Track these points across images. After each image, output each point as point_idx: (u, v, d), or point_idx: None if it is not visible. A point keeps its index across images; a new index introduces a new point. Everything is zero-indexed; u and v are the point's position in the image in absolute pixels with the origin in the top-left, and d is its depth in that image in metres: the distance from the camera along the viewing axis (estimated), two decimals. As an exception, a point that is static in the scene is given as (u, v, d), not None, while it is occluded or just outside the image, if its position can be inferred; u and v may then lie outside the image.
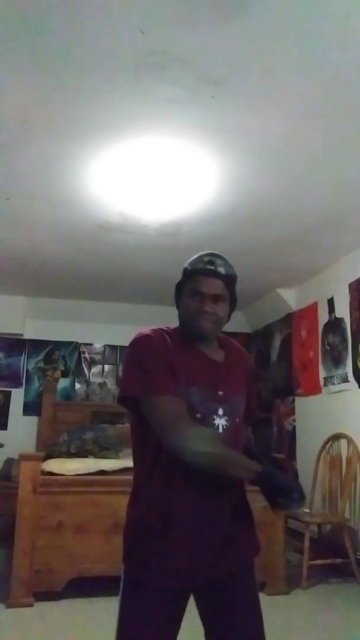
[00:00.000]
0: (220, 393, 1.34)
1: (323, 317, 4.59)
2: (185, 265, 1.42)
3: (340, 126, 2.51)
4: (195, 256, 1.42)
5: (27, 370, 5.74)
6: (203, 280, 1.35)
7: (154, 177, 3.01)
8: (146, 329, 1.37)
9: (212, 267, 1.36)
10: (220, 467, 1.25)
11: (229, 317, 1.44)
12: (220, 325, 1.40)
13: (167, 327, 1.40)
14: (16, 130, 2.57)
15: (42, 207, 3.42)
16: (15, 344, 5.72)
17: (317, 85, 2.22)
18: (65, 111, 2.41)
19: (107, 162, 2.85)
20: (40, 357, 5.80)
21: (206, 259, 1.38)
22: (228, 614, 1.29)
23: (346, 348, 4.15)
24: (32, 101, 2.35)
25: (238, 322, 6.16)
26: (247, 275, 4.82)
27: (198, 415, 1.30)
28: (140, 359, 1.31)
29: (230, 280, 1.39)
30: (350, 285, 4.14)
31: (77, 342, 5.92)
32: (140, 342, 1.34)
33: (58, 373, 5.80)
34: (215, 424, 1.31)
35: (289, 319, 5.27)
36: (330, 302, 4.44)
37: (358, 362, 3.99)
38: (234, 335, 6.74)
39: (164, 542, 1.26)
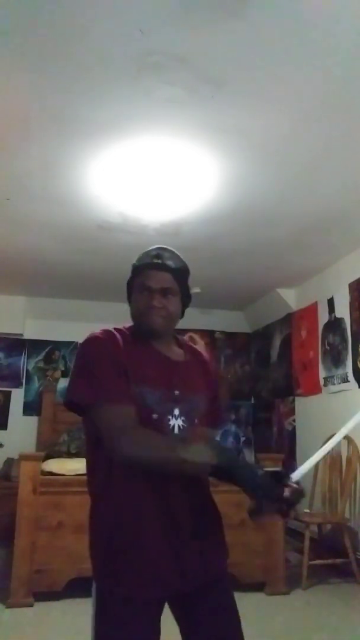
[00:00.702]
0: (176, 392, 1.28)
1: (323, 317, 4.58)
2: (134, 261, 1.38)
3: (340, 126, 2.51)
4: (144, 251, 1.38)
5: (27, 370, 5.74)
6: (151, 275, 1.31)
7: (154, 177, 3.01)
8: (97, 331, 1.31)
9: (159, 261, 1.32)
10: (170, 469, 1.20)
11: (182, 313, 1.39)
12: (171, 320, 1.34)
13: (122, 327, 1.35)
14: (16, 130, 2.57)
15: (42, 207, 3.42)
16: (15, 344, 5.71)
17: (318, 85, 2.22)
18: (65, 111, 2.41)
19: (107, 162, 2.85)
20: (40, 357, 5.80)
21: (153, 253, 1.35)
22: (205, 621, 1.24)
23: (346, 348, 4.15)
24: (32, 101, 2.35)
25: (238, 322, 6.17)
26: (247, 275, 4.86)
27: (154, 416, 1.24)
28: (88, 362, 1.26)
29: (179, 273, 1.34)
30: (350, 285, 4.14)
31: (77, 342, 5.90)
32: (88, 344, 1.29)
33: (58, 373, 5.79)
34: (170, 424, 1.26)
35: (289, 319, 5.27)
36: (330, 302, 4.44)
37: (358, 362, 3.99)
38: (234, 335, 6.74)
39: (132, 552, 1.20)
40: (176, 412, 1.27)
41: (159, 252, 1.34)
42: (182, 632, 1.28)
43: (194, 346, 1.48)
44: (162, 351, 1.34)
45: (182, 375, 1.33)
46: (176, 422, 1.27)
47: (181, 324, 1.45)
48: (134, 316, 1.36)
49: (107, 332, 1.31)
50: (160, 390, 1.27)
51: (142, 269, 1.34)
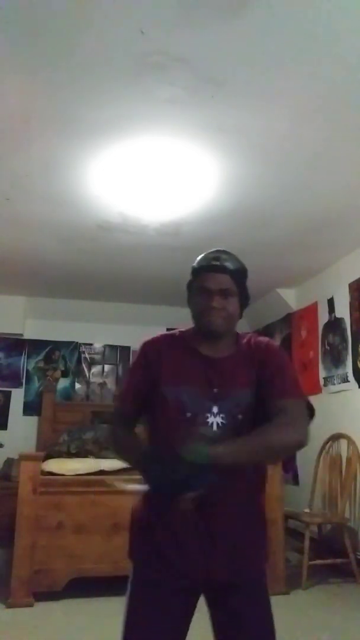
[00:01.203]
0: (215, 390, 1.32)
1: (323, 317, 4.58)
2: (193, 264, 1.43)
3: (340, 126, 2.51)
4: (202, 254, 1.43)
5: (27, 370, 5.73)
6: (209, 277, 1.36)
7: (154, 177, 3.01)
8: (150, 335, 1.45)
9: (218, 263, 1.36)
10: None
11: (241, 313, 1.42)
12: (231, 321, 1.38)
13: (179, 330, 1.45)
14: (16, 130, 2.57)
15: (42, 207, 3.42)
16: (15, 344, 5.71)
17: (317, 84, 2.22)
18: (65, 111, 2.41)
19: (107, 162, 2.85)
20: (40, 357, 5.80)
21: (212, 255, 1.39)
22: (235, 624, 1.28)
23: (346, 348, 4.15)
24: (32, 101, 2.35)
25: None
26: (247, 275, 4.85)
27: (188, 414, 1.30)
28: (128, 368, 1.56)
29: (238, 274, 1.38)
30: (350, 285, 4.14)
31: (77, 342, 5.91)
32: (136, 351, 1.46)
33: (58, 373, 5.79)
34: (208, 422, 1.30)
35: (289, 319, 5.27)
36: (330, 302, 4.44)
37: (358, 362, 3.99)
38: (234, 335, 6.68)
39: (158, 537, 1.29)
40: (215, 409, 1.30)
41: (217, 255, 1.38)
42: (213, 630, 1.32)
43: (258, 339, 1.43)
44: (203, 351, 1.37)
45: (223, 373, 1.35)
46: (215, 420, 1.30)
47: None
48: (194, 317, 1.40)
49: (151, 339, 1.43)
50: (198, 389, 1.32)
51: (201, 272, 1.38)
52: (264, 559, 1.37)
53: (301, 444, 1.30)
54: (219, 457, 1.16)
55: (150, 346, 1.41)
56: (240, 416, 1.31)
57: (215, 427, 1.29)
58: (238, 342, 1.42)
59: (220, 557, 1.27)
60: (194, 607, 1.31)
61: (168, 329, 1.56)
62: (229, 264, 1.37)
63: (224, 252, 1.40)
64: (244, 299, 1.41)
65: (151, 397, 1.35)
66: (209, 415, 1.30)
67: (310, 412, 1.38)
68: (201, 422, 1.29)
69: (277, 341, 5.57)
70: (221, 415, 1.30)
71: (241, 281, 1.39)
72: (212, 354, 1.37)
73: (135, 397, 1.40)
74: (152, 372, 1.36)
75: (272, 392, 1.33)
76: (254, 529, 1.35)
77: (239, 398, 1.33)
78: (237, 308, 1.39)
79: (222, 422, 1.30)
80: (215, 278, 1.35)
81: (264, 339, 1.44)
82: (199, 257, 1.42)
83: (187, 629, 1.29)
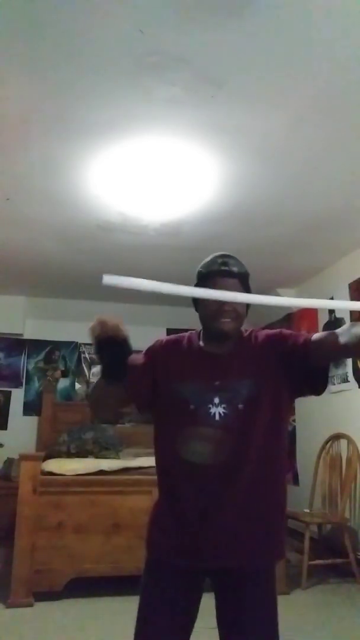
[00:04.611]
0: (217, 383, 1.39)
1: (323, 317, 4.59)
2: (199, 268, 1.49)
3: (339, 126, 2.51)
4: (207, 259, 1.49)
5: (27, 370, 5.73)
6: (219, 281, 1.42)
7: (154, 177, 3.01)
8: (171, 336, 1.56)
9: (227, 268, 1.44)
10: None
11: (247, 313, 1.49)
12: (240, 322, 1.45)
13: (190, 332, 1.54)
14: (16, 130, 2.57)
15: (42, 207, 3.42)
16: (15, 344, 5.71)
17: (317, 85, 2.22)
18: (65, 111, 2.41)
19: (107, 162, 2.85)
20: (40, 357, 5.80)
21: (219, 260, 1.45)
22: (230, 615, 1.36)
23: (346, 348, 4.14)
24: (32, 101, 2.35)
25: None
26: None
27: (192, 407, 1.38)
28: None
29: (244, 278, 1.46)
30: (350, 285, 4.14)
31: (77, 342, 5.91)
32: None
33: (58, 373, 5.78)
34: (211, 412, 1.36)
35: (289, 319, 5.27)
36: (330, 302, 4.44)
37: (358, 362, 3.99)
38: (234, 335, 6.68)
39: (167, 523, 1.39)
40: (216, 400, 1.38)
41: (226, 260, 1.46)
42: (217, 620, 1.40)
43: (261, 332, 1.52)
44: (208, 350, 1.46)
45: (225, 366, 1.42)
46: (217, 410, 1.37)
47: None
48: (204, 321, 1.47)
49: (171, 337, 1.55)
50: (201, 383, 1.40)
51: (210, 276, 1.44)
52: (268, 553, 1.43)
53: None
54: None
55: (160, 347, 1.51)
56: (240, 406, 1.36)
57: (217, 417, 1.36)
58: (241, 338, 1.48)
59: (210, 543, 1.33)
60: (199, 589, 1.39)
61: (168, 329, 1.59)
62: (236, 269, 1.45)
63: (230, 256, 1.47)
64: None
65: (157, 395, 1.45)
66: (211, 406, 1.37)
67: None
68: (204, 413, 1.36)
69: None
70: (222, 405, 1.37)
71: (246, 283, 1.47)
72: (215, 351, 1.45)
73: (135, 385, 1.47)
74: (155, 372, 1.45)
75: (301, 346, 1.38)
76: (257, 520, 1.37)
77: (239, 388, 1.38)
78: (244, 309, 1.46)
79: (223, 412, 1.36)
80: (225, 283, 1.41)
81: (264, 330, 1.53)
82: (206, 261, 1.48)
83: (193, 608, 1.38)
